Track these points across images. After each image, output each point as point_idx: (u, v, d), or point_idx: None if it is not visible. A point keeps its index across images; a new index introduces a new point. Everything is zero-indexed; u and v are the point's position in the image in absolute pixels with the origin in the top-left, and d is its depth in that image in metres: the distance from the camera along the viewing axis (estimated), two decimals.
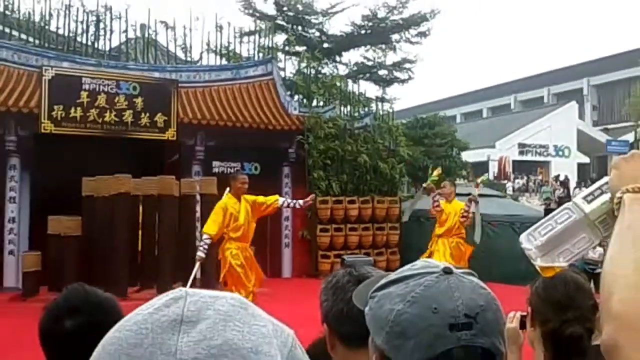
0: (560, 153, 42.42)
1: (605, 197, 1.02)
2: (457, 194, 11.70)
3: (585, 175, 41.11)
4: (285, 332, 0.69)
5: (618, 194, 0.95)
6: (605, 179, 1.04)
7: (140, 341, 0.61)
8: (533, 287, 2.18)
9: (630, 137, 36.43)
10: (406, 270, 1.11)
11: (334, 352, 1.76)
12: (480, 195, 16.53)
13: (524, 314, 2.35)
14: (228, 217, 9.19)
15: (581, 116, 46.66)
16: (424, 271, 1.08)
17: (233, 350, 0.60)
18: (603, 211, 1.03)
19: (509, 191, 29.40)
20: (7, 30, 16.21)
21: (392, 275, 1.12)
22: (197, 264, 9.71)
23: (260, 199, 9.48)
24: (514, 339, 2.51)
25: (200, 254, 9.33)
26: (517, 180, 38.08)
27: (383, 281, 1.12)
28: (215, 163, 15.95)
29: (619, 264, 0.86)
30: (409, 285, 1.06)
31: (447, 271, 1.07)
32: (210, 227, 9.15)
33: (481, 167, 38.08)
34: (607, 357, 0.80)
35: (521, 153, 41.47)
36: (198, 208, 13.51)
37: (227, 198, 9.38)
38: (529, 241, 1.07)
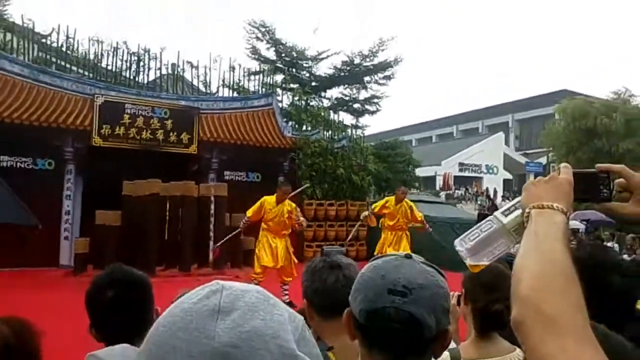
0: (491, 171, 42.70)
1: (518, 212, 1.04)
2: (412, 200, 11.72)
3: (509, 188, 41.45)
4: (297, 318, 0.68)
5: (527, 209, 0.97)
6: (518, 199, 1.06)
7: (186, 326, 0.61)
8: (466, 273, 2.19)
9: (543, 160, 36.83)
10: (388, 253, 1.19)
11: (312, 322, 1.77)
12: (427, 202, 16.65)
13: (459, 293, 2.36)
14: (262, 210, 9.33)
15: (507, 143, 47.00)
16: (393, 254, 1.15)
17: (258, 336, 0.60)
18: (516, 222, 1.04)
19: (443, 198, 29.42)
20: (67, 65, 16.11)
21: (380, 255, 1.19)
22: (235, 232, 10.79)
23: (295, 212, 9.66)
24: (452, 314, 2.52)
25: (240, 225, 10.07)
26: (457, 191, 38.20)
27: (374, 257, 1.18)
28: (226, 172, 15.89)
29: (525, 259, 0.88)
30: (379, 260, 1.13)
31: (407, 256, 1.13)
32: (249, 212, 9.50)
33: (430, 180, 38.27)
34: (516, 331, 0.82)
35: (461, 170, 41.67)
36: (212, 207, 13.46)
37: (269, 197, 9.51)
38: (461, 245, 1.09)
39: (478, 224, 1.10)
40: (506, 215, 1.07)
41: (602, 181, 1.04)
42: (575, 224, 16.60)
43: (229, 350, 0.58)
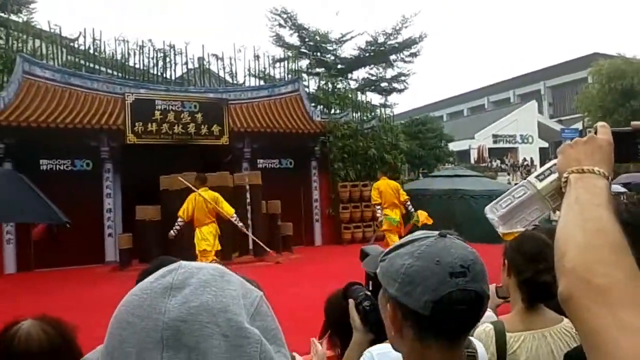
0: (525, 140, 41.86)
1: (554, 176, 0.99)
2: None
3: (546, 157, 40.59)
4: (253, 294, 0.69)
5: (565, 174, 0.92)
6: (553, 162, 1.01)
7: (141, 303, 0.64)
8: (508, 243, 2.14)
9: (579, 125, 35.96)
10: (410, 237, 1.11)
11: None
12: (463, 176, 16.44)
13: (499, 285, 2.33)
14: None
15: (540, 111, 45.96)
16: (424, 236, 1.09)
17: (207, 310, 0.62)
18: (552, 188, 1.00)
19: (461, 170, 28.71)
20: (96, 67, 16.36)
21: (399, 242, 1.12)
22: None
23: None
24: (491, 302, 2.48)
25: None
26: (493, 163, 37.62)
27: (391, 247, 1.12)
28: (259, 161, 15.99)
29: (569, 229, 0.83)
30: (414, 245, 1.07)
31: (442, 235, 1.08)
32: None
33: (465, 154, 37.79)
34: (564, 305, 0.78)
35: (495, 142, 40.97)
36: (248, 195, 13.57)
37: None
38: (493, 212, 1.05)
39: (510, 190, 1.05)
40: (541, 180, 1.03)
41: (638, 140, 0.99)
42: (617, 187, 16.22)
43: (178, 325, 0.61)
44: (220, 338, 0.61)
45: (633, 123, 0.99)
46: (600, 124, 0.98)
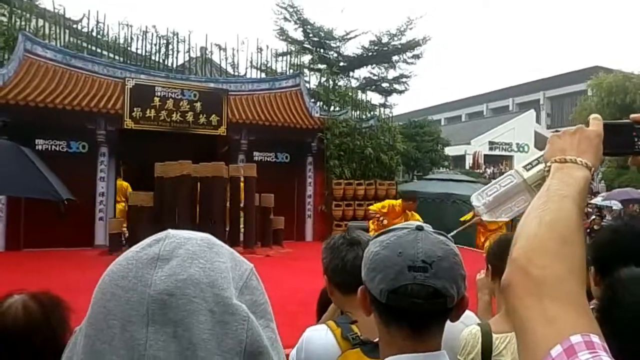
0: (521, 149, 41.90)
1: (541, 166, 0.99)
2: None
3: None
4: (243, 266, 0.68)
5: (548, 163, 0.92)
6: (542, 152, 1.01)
7: (126, 274, 0.62)
8: (490, 248, 2.16)
9: None
10: (394, 226, 1.13)
11: (332, 296, 1.83)
12: (456, 181, 16.47)
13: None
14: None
15: (538, 121, 46.06)
16: (403, 227, 1.11)
17: (194, 284, 0.61)
18: (538, 177, 0.99)
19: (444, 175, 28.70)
20: (98, 50, 16.30)
21: (383, 230, 1.15)
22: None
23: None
24: (486, 286, 2.51)
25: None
26: (487, 170, 37.67)
27: (379, 233, 1.15)
28: (255, 153, 15.95)
29: (528, 218, 0.82)
30: (388, 235, 1.09)
31: (419, 228, 1.09)
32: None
33: (460, 159, 37.84)
34: (503, 293, 0.77)
35: (491, 149, 41.02)
36: (242, 186, 13.56)
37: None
38: (478, 200, 1.04)
39: (497, 179, 1.05)
40: (528, 170, 1.03)
41: (637, 132, 0.97)
42: (614, 203, 16.56)
43: (164, 298, 0.59)
44: (206, 313, 0.60)
45: (633, 116, 0.98)
46: (592, 116, 0.97)
